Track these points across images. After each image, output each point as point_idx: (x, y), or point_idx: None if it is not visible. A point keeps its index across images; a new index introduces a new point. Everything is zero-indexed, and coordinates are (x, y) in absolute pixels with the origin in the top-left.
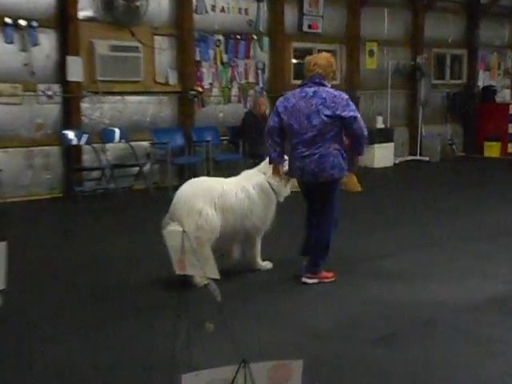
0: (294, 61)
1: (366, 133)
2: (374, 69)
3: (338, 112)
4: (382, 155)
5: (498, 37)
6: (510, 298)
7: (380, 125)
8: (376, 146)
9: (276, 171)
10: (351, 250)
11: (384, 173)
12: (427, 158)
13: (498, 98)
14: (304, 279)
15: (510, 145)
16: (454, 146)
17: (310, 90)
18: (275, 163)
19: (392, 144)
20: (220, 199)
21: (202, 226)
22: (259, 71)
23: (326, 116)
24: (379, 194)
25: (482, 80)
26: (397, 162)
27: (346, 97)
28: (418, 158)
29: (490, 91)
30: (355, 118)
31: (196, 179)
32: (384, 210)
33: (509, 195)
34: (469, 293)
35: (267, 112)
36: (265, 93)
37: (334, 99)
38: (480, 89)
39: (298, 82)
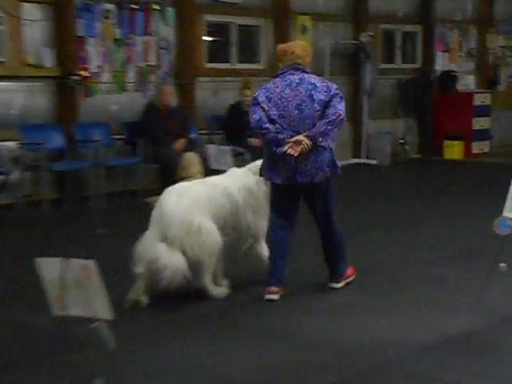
0: (206, 38)
1: (342, 122)
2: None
3: (330, 93)
4: None
5: (459, 10)
6: (474, 334)
7: None
8: None
9: (296, 144)
10: None
11: None
12: (375, 161)
13: (460, 86)
14: (332, 285)
15: (475, 144)
16: (407, 146)
17: (295, 78)
18: (282, 137)
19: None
20: (213, 206)
21: (204, 243)
22: (163, 51)
23: (320, 102)
24: None
25: (441, 64)
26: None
27: (335, 85)
28: (363, 161)
29: (450, 78)
30: (342, 97)
31: (176, 187)
32: None
33: (473, 206)
34: (425, 329)
35: (174, 104)
36: (170, 79)
37: (325, 83)
38: (438, 75)
39: (214, 65)
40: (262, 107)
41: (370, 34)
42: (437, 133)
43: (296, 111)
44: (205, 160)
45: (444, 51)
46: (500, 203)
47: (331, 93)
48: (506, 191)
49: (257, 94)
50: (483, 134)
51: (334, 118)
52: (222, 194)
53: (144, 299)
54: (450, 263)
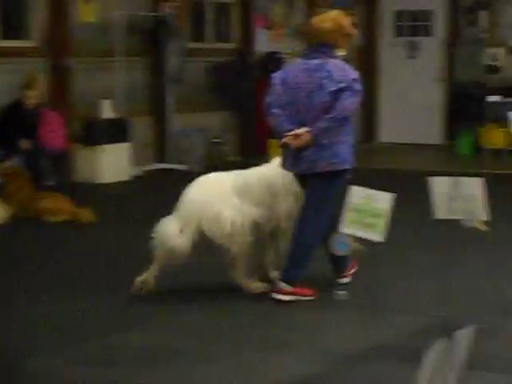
0: None
1: (352, 113)
2: (94, 23)
3: (342, 85)
4: (112, 163)
5: None
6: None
7: (107, 114)
8: (102, 147)
9: (295, 136)
10: (77, 324)
11: (116, 192)
12: (184, 167)
13: None
14: (275, 295)
15: None
16: (224, 147)
17: (314, 62)
18: (286, 128)
19: (128, 145)
20: (243, 193)
21: (224, 231)
22: None
23: (330, 92)
24: (105, 230)
25: (262, 43)
26: (137, 173)
27: (357, 74)
28: (169, 166)
29: (274, 61)
30: (355, 90)
31: (205, 176)
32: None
33: None
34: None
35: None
36: None
37: (343, 73)
38: (259, 57)
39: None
40: (275, 90)
41: (175, 4)
42: (259, 129)
43: (305, 100)
44: None
45: (266, 28)
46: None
47: (343, 84)
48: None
49: (276, 73)
50: None
51: (337, 113)
52: (260, 183)
53: (152, 282)
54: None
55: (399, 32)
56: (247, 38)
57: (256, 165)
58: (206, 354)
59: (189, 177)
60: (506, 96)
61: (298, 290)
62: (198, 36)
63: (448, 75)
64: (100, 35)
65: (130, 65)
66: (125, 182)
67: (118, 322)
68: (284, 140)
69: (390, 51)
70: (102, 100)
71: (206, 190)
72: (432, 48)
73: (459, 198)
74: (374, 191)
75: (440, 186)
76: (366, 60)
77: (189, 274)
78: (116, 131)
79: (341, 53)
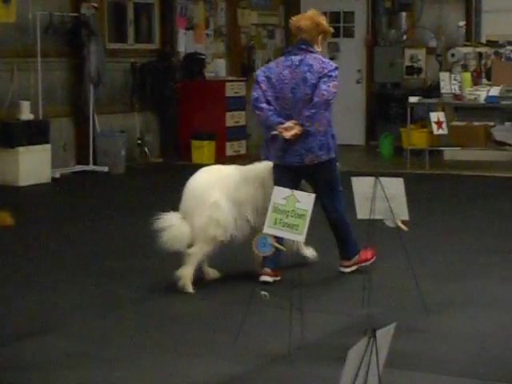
0: None
1: (324, 104)
2: (12, 23)
3: (320, 74)
4: (31, 165)
5: None
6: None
7: (27, 115)
8: (21, 149)
9: (289, 127)
10: None
11: (36, 195)
12: (106, 169)
13: (209, 73)
14: (341, 269)
15: (229, 144)
16: (146, 148)
17: (296, 58)
18: (276, 121)
19: (48, 146)
20: (236, 190)
21: (216, 221)
22: None
23: (311, 85)
24: (25, 233)
25: (184, 44)
26: (57, 175)
27: (335, 65)
28: (90, 167)
29: (196, 62)
30: (331, 76)
31: (208, 167)
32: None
33: None
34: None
35: None
36: None
37: (323, 65)
38: (182, 58)
39: None
40: (260, 87)
41: (94, 4)
42: (182, 131)
43: (290, 94)
44: None
45: (187, 29)
46: None
47: (320, 74)
48: None
49: (258, 71)
50: (239, 132)
51: (317, 99)
52: (258, 181)
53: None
54: (210, 296)
55: None
56: (169, 39)
57: (179, 166)
58: (120, 358)
59: (109, 178)
60: (426, 97)
61: (361, 258)
62: (120, 37)
63: (369, 76)
64: (19, 35)
65: (50, 65)
66: (45, 185)
67: (28, 327)
68: (275, 132)
69: None
70: (20, 101)
71: (209, 179)
72: (353, 49)
73: (380, 198)
74: (296, 191)
75: (361, 186)
76: None
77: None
78: (36, 133)
79: (318, 49)
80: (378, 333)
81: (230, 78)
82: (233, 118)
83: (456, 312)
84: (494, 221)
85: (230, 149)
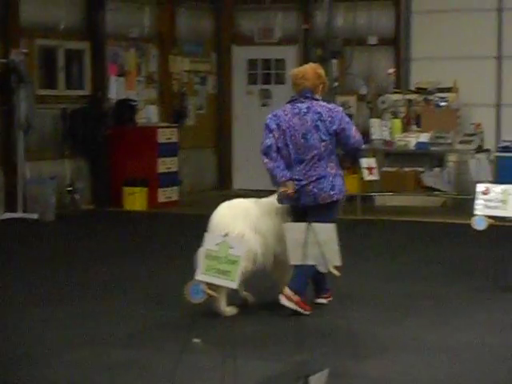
0: None
1: (362, 146)
2: None
3: (334, 127)
4: None
5: (136, 25)
6: None
7: None
8: None
9: (290, 186)
10: None
11: None
12: (35, 216)
13: (141, 119)
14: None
15: (161, 191)
16: (76, 195)
17: (303, 106)
18: (284, 178)
19: None
20: (258, 221)
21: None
22: None
23: (325, 133)
24: None
25: (116, 91)
26: None
27: (341, 109)
28: (19, 215)
29: (127, 108)
30: (351, 130)
31: (229, 202)
32: None
33: (167, 268)
34: None
35: None
36: None
37: (330, 113)
38: (113, 104)
39: None
40: (273, 135)
41: (24, 50)
42: (113, 177)
43: (302, 140)
44: None
45: (119, 75)
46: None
47: (336, 125)
48: (197, 248)
49: (268, 120)
50: (171, 179)
51: (356, 140)
52: (276, 212)
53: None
54: (139, 343)
55: (252, 80)
56: (100, 85)
57: (110, 213)
58: None
59: (38, 226)
60: None
61: (301, 302)
62: (50, 83)
63: None
64: None
65: None
66: None
67: None
68: (282, 191)
69: (244, 99)
70: None
71: (232, 212)
72: (284, 96)
73: (313, 243)
74: (229, 237)
75: (294, 232)
76: (220, 108)
77: None
78: None
79: (319, 98)
80: (311, 379)
81: (161, 124)
82: (165, 165)
83: (389, 357)
84: (425, 266)
85: (162, 195)
